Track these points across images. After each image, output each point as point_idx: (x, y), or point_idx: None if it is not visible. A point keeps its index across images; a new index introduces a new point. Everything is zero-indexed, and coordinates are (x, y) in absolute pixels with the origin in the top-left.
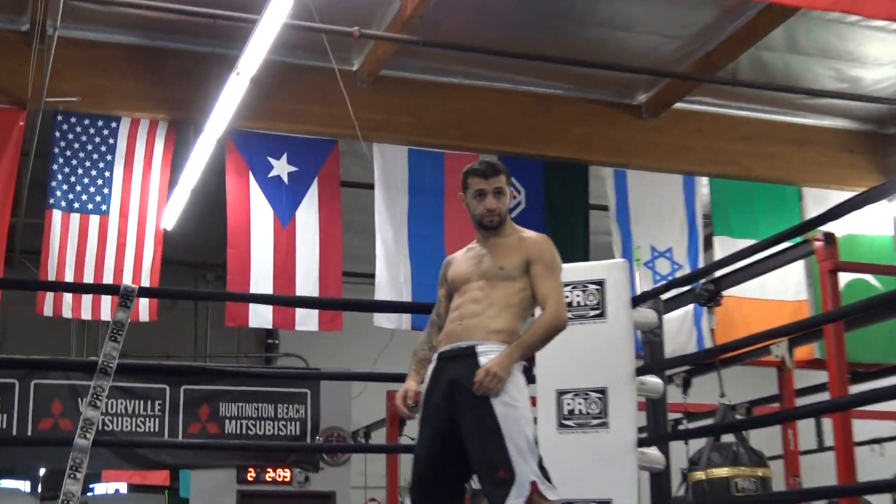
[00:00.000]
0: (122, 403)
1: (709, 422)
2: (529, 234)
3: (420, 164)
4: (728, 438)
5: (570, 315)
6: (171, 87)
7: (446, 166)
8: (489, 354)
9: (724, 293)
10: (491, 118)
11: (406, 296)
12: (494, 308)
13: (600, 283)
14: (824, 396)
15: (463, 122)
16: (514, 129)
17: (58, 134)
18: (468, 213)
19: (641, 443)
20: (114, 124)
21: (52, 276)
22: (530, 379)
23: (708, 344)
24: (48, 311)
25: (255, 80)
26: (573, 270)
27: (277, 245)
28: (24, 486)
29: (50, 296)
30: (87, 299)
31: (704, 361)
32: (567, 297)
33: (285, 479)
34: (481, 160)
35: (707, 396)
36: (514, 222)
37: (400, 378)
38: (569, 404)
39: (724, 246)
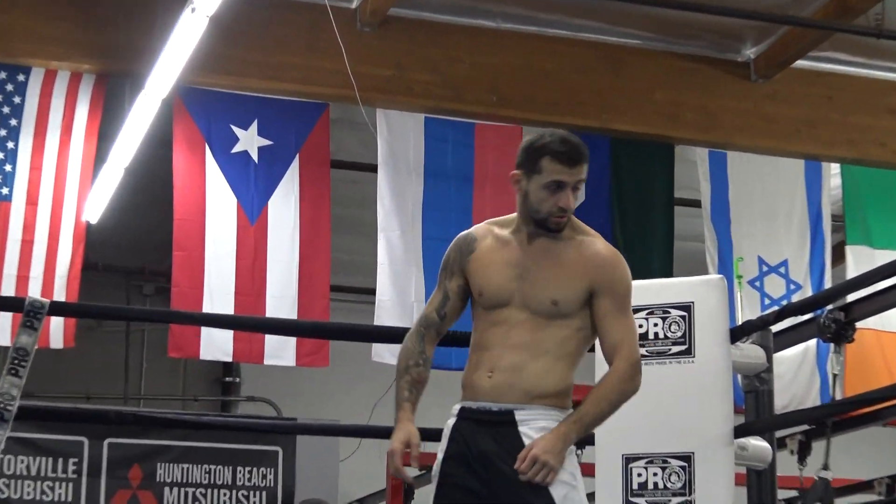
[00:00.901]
0: (22, 461)
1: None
2: (593, 243)
3: (441, 139)
4: None
5: (644, 352)
6: (101, 27)
7: (477, 142)
8: (532, 423)
9: (859, 325)
10: (540, 77)
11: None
12: (543, 360)
13: (687, 307)
14: None
15: (501, 81)
16: (573, 92)
17: None
18: (519, 198)
19: None
20: (21, 77)
21: None
22: (586, 439)
23: (836, 394)
24: None
25: (215, 20)
26: (650, 290)
27: (242, 247)
28: None
29: None
30: None
31: (831, 419)
32: (641, 326)
33: None
34: (562, 137)
35: (834, 468)
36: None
37: None
38: (640, 475)
39: (859, 259)
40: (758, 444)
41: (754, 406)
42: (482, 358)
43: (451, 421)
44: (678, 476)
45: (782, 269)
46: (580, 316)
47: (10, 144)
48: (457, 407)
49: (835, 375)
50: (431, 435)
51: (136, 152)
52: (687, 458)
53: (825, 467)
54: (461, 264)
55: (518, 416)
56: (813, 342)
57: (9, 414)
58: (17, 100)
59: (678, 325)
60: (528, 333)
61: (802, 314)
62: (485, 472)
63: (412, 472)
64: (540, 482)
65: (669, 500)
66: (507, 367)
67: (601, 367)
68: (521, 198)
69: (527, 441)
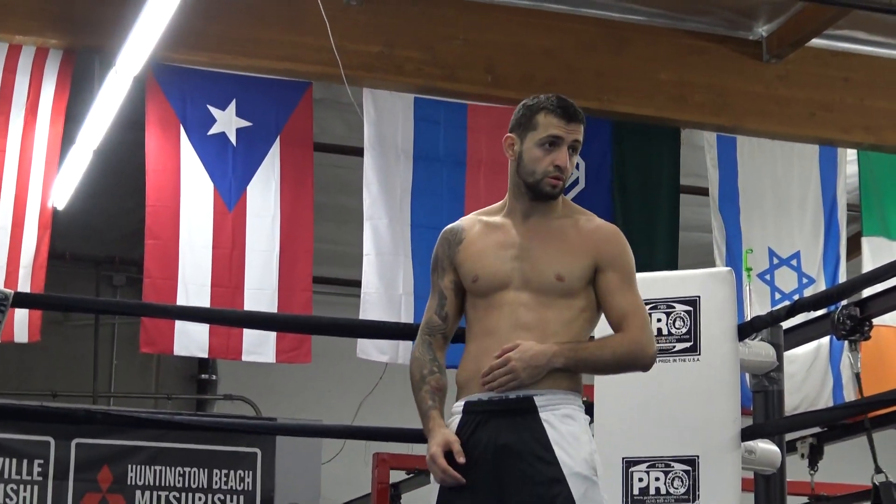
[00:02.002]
0: None
1: None
2: (591, 219)
3: (431, 120)
4: None
5: None
6: None
7: (470, 124)
8: (554, 409)
9: (876, 321)
10: (538, 55)
11: (406, 314)
12: (553, 340)
13: (693, 302)
14: None
15: (496, 59)
16: (572, 71)
17: None
18: (512, 167)
19: None
20: None
21: None
22: None
23: (849, 395)
24: None
25: None
26: (653, 283)
27: (219, 236)
28: None
29: None
30: None
31: (844, 421)
32: None
33: None
34: (558, 96)
35: (847, 473)
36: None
37: (392, 435)
38: (641, 480)
39: (876, 251)
40: (766, 447)
41: (763, 407)
42: (486, 345)
43: (454, 420)
44: (682, 481)
45: (794, 262)
46: (583, 295)
47: None
48: (459, 404)
49: (857, 374)
50: (420, 436)
51: (105, 133)
52: (691, 461)
53: (878, 470)
54: (450, 258)
55: (538, 401)
56: (826, 340)
57: None
58: None
59: (683, 321)
60: (533, 313)
61: (815, 310)
62: (502, 465)
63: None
64: (498, 384)
65: None
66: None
67: None
68: (514, 164)
69: (548, 428)
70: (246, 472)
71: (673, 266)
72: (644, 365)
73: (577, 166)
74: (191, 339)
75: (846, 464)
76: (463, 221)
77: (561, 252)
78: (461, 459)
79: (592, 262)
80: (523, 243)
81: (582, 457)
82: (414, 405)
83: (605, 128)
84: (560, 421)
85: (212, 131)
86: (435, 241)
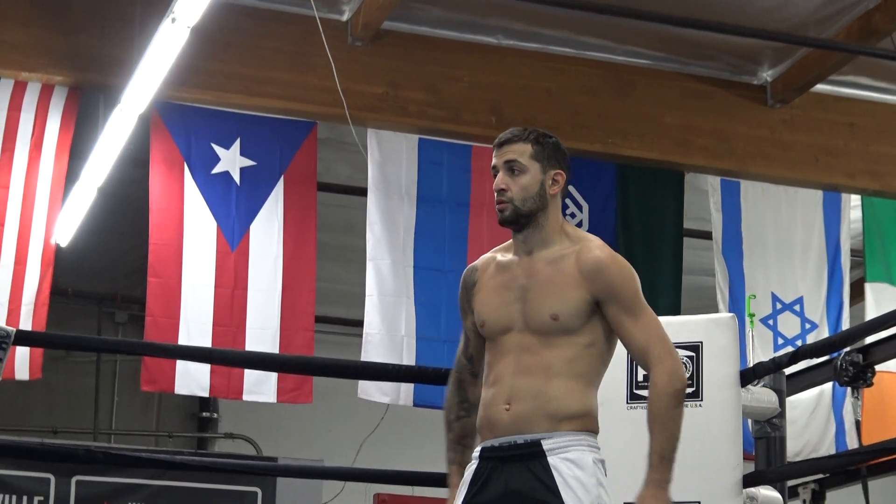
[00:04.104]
0: None
1: None
2: (589, 249)
3: (435, 162)
4: None
5: None
6: (75, 36)
7: (474, 165)
8: (562, 453)
9: (879, 368)
10: (542, 97)
11: (408, 356)
12: (558, 382)
13: (695, 347)
14: None
15: (500, 101)
16: (577, 114)
17: None
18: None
19: None
20: None
21: None
22: None
23: (852, 442)
24: None
25: (197, 31)
26: None
27: (221, 275)
28: None
29: None
30: None
31: (847, 468)
32: None
33: None
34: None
35: None
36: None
37: (395, 478)
38: None
39: (880, 298)
40: (768, 493)
41: (765, 453)
42: (494, 393)
43: (473, 464)
44: None
45: (797, 307)
46: (587, 331)
47: None
48: (477, 449)
49: (857, 422)
50: (426, 479)
51: (110, 171)
52: None
53: None
54: (468, 301)
55: (546, 444)
56: (828, 386)
57: None
58: None
59: (685, 367)
60: (534, 357)
61: (818, 356)
62: None
63: None
64: None
65: None
66: (523, 395)
67: None
68: None
69: (555, 473)
70: None
71: (676, 310)
72: (685, 387)
73: (581, 208)
74: (192, 378)
75: None
76: (480, 261)
77: (556, 290)
78: None
79: (589, 296)
80: (524, 283)
81: (590, 500)
82: (414, 446)
83: (609, 171)
84: (568, 465)
85: (216, 170)
86: (437, 285)
